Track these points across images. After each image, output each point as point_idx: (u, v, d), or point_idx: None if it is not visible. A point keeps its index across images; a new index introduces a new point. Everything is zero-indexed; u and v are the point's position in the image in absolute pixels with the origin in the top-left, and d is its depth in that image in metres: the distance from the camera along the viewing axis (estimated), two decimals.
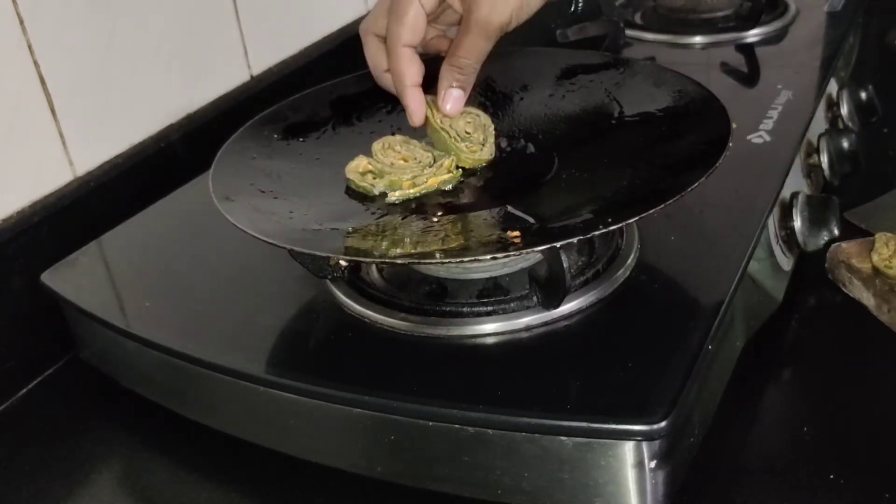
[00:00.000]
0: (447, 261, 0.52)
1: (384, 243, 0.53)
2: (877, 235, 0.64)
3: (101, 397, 0.62)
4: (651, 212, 0.49)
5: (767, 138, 0.68)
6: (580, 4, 1.00)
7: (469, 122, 0.63)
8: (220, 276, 0.62)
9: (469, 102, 0.61)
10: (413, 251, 0.52)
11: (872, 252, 0.63)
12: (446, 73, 0.60)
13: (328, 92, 0.70)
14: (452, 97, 0.60)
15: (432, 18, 0.61)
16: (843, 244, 0.65)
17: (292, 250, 0.51)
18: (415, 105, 0.60)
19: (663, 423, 0.44)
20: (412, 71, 0.60)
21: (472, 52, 0.59)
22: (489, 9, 0.58)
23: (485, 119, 0.64)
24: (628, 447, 0.45)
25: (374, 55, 0.63)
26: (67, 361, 0.67)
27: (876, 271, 0.62)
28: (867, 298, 0.62)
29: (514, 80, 0.69)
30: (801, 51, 0.84)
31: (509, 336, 0.52)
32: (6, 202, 0.66)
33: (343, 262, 0.55)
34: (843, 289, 0.64)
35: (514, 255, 0.53)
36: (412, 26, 0.59)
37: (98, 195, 0.71)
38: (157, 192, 0.72)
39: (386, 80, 0.62)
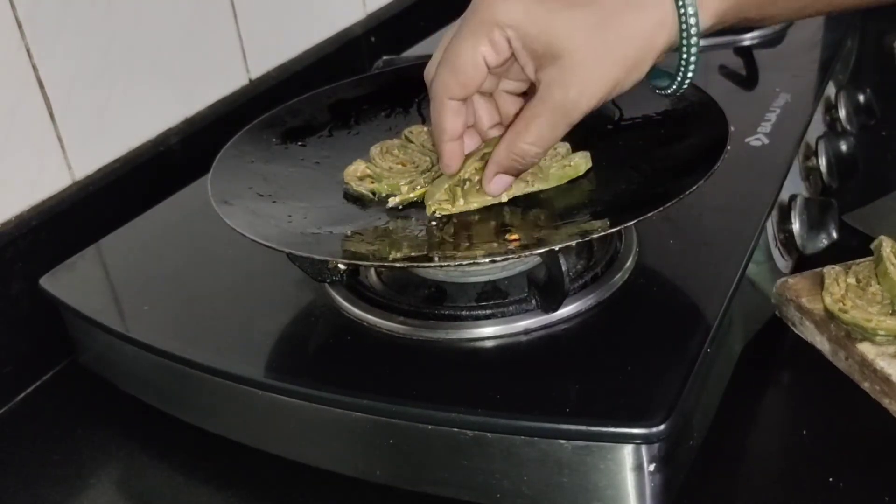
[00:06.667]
0: (446, 264, 0.52)
1: (383, 247, 0.53)
2: (825, 270, 0.57)
3: (100, 401, 0.62)
4: (649, 215, 0.49)
5: (766, 141, 0.68)
6: None
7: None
8: (218, 280, 0.62)
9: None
10: (412, 255, 0.52)
11: (823, 292, 0.55)
12: (503, 158, 0.50)
13: (326, 96, 0.70)
14: (500, 182, 0.52)
15: (500, 73, 0.51)
16: (790, 279, 0.58)
17: (291, 254, 0.51)
18: (450, 159, 0.53)
19: (662, 427, 0.44)
20: (455, 126, 0.51)
21: (542, 140, 0.48)
22: (578, 91, 0.46)
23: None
24: (627, 451, 0.45)
25: (446, 119, 0.51)
26: (66, 365, 0.67)
27: (829, 314, 0.54)
28: (821, 343, 0.55)
29: None
30: (800, 54, 0.84)
31: (508, 339, 0.52)
32: (5, 206, 0.66)
33: (342, 266, 0.55)
34: (794, 329, 0.57)
35: (512, 258, 0.53)
36: (464, 82, 0.49)
37: (97, 199, 0.71)
38: (155, 196, 0.72)
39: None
